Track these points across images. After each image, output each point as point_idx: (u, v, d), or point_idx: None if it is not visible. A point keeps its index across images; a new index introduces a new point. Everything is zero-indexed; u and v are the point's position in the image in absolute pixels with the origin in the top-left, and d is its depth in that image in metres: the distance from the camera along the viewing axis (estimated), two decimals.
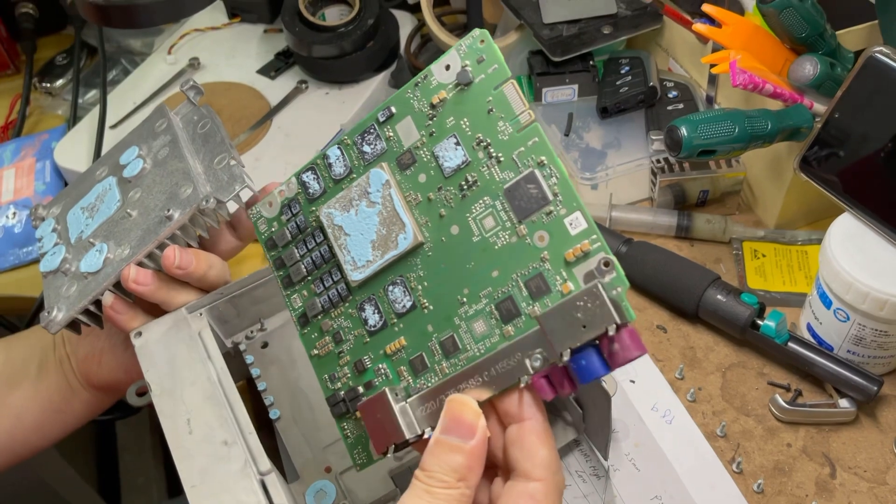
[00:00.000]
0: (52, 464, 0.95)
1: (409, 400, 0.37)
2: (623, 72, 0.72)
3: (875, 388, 0.54)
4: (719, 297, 0.59)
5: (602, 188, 0.68)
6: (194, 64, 0.84)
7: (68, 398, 0.55)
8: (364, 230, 0.39)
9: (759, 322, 0.58)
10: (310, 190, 0.41)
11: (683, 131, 0.55)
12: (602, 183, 0.68)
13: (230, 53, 0.85)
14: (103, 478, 1.11)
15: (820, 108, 0.58)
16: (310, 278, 0.41)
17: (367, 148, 0.39)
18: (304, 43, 0.78)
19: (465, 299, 0.36)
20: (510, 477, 0.35)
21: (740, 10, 0.65)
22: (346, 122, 0.76)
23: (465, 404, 0.35)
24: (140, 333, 0.48)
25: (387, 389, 0.37)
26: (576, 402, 0.51)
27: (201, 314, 0.49)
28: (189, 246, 0.49)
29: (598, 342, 0.33)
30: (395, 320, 0.38)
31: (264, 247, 0.43)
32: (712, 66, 0.59)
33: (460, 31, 0.81)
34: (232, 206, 0.49)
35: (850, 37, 0.60)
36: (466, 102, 0.37)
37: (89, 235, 0.51)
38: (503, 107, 0.36)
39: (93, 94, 0.87)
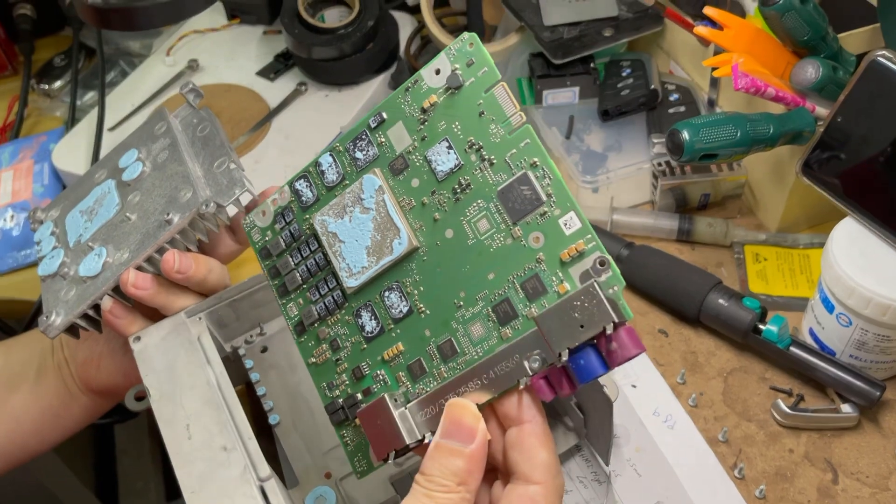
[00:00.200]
0: (50, 467, 0.94)
1: (408, 405, 0.37)
2: (624, 74, 0.72)
3: (877, 393, 0.54)
4: (721, 301, 0.59)
5: (603, 191, 0.68)
6: (193, 66, 0.84)
7: (67, 402, 0.55)
8: (358, 236, 0.38)
9: (761, 326, 0.57)
10: (303, 198, 0.41)
11: (685, 135, 0.55)
12: (603, 186, 0.68)
13: (229, 55, 0.85)
14: (101, 481, 1.11)
15: (822, 111, 0.58)
16: (305, 286, 0.41)
17: (359, 154, 0.39)
18: (303, 45, 0.77)
19: (461, 303, 0.36)
20: (510, 480, 0.35)
21: (742, 13, 0.65)
22: (346, 124, 0.76)
23: (465, 408, 0.35)
24: (139, 338, 0.48)
25: (386, 395, 0.36)
26: (577, 407, 0.50)
27: (200, 318, 0.49)
28: (188, 250, 0.49)
29: (596, 341, 0.33)
30: (392, 326, 0.38)
31: (259, 256, 0.43)
32: (714, 69, 0.58)
33: (460, 32, 0.81)
34: (231, 210, 0.49)
35: (852, 40, 0.60)
36: (457, 106, 0.36)
37: (88, 239, 0.50)
38: (494, 109, 0.36)
39: (91, 95, 0.87)
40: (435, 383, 0.37)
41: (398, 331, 0.38)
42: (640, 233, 0.68)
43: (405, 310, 0.38)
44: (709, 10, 0.59)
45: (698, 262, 0.65)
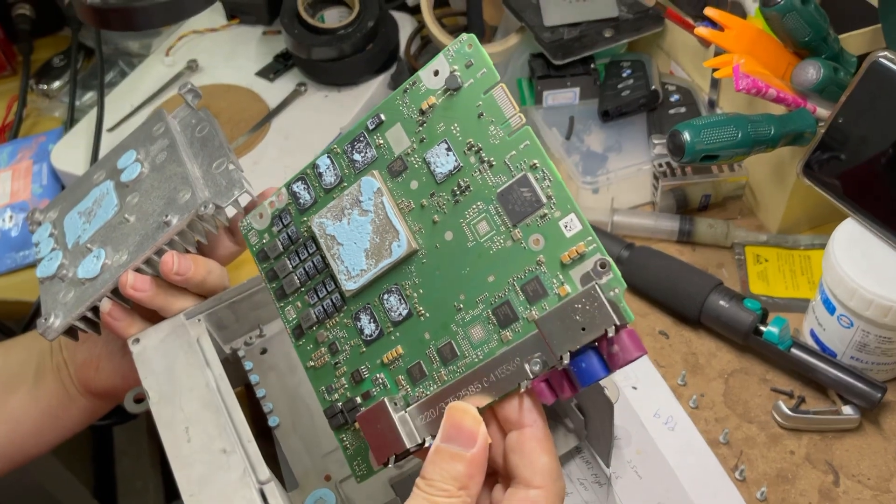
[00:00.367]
0: (49, 468, 0.94)
1: (408, 409, 0.37)
2: (624, 75, 0.72)
3: (879, 395, 0.54)
4: (722, 302, 0.59)
5: (603, 192, 0.68)
6: (192, 66, 0.84)
7: (66, 404, 0.55)
8: (357, 239, 0.38)
9: (762, 328, 0.57)
10: (300, 200, 0.41)
11: (686, 136, 0.55)
12: (603, 187, 0.68)
13: (229, 56, 0.85)
14: (100, 482, 1.11)
15: (823, 112, 0.57)
16: (303, 289, 0.41)
17: (357, 156, 0.39)
18: (303, 45, 0.77)
19: (461, 305, 0.36)
20: (511, 484, 0.35)
21: (742, 14, 0.65)
22: (346, 124, 0.76)
23: (466, 412, 0.34)
24: (138, 340, 0.47)
25: (386, 399, 0.36)
26: (577, 408, 0.50)
27: (199, 320, 0.49)
28: (187, 251, 0.49)
29: (597, 344, 0.33)
30: (392, 329, 0.38)
31: (256, 259, 0.42)
32: (715, 70, 0.58)
33: (460, 33, 0.81)
34: (230, 211, 0.49)
35: (853, 41, 0.60)
36: (456, 107, 0.36)
37: (87, 241, 0.50)
38: (493, 111, 0.36)
39: (90, 96, 0.87)
40: (435, 387, 0.37)
41: (397, 334, 0.38)
42: (640, 234, 0.68)
43: (404, 313, 0.37)
44: (709, 11, 0.59)
45: (699, 264, 0.65)
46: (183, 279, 0.47)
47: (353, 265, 0.38)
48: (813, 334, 0.59)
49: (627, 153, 0.69)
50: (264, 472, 0.41)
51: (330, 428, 0.40)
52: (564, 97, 0.73)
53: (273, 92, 0.80)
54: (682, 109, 0.70)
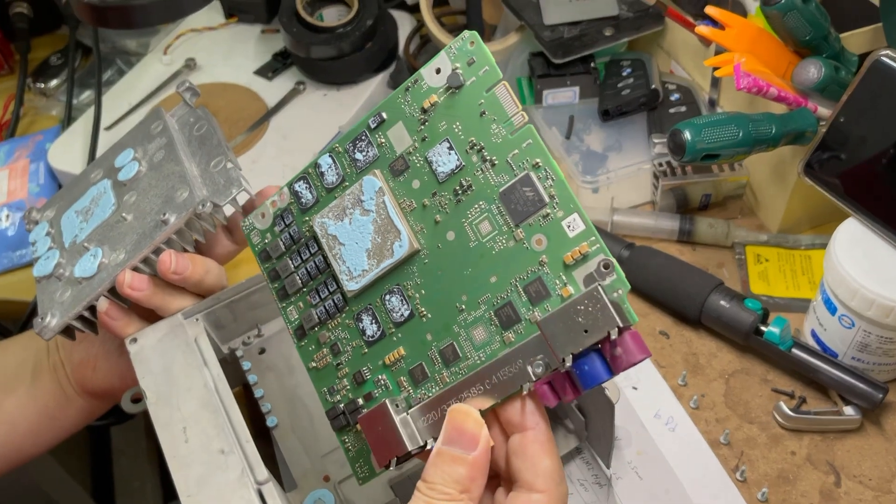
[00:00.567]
0: (46, 468, 0.94)
1: (410, 411, 0.36)
2: (625, 74, 0.72)
3: (880, 396, 0.54)
4: (722, 302, 0.59)
5: (603, 192, 0.68)
6: (190, 65, 0.83)
7: (63, 405, 0.55)
8: (359, 239, 0.38)
9: (763, 328, 0.57)
10: (302, 200, 0.40)
11: (687, 135, 0.54)
12: (603, 186, 0.67)
13: (227, 54, 0.85)
14: (98, 482, 1.10)
15: (824, 111, 0.57)
16: (305, 290, 0.40)
17: (358, 155, 0.38)
18: (301, 44, 0.77)
19: (463, 306, 0.36)
20: (513, 488, 0.34)
21: (743, 13, 0.65)
22: (345, 123, 0.75)
23: (468, 414, 0.34)
24: (135, 339, 0.47)
25: (387, 401, 0.36)
26: (578, 409, 0.50)
27: (197, 320, 0.48)
28: (185, 250, 0.48)
29: (600, 346, 0.32)
30: (394, 330, 0.38)
31: (258, 259, 0.42)
32: (715, 68, 0.58)
33: (459, 31, 0.81)
34: (228, 210, 0.49)
35: (854, 39, 0.60)
36: (458, 106, 0.36)
37: (84, 239, 0.50)
38: (496, 109, 0.35)
39: (87, 94, 0.87)
40: (437, 388, 0.36)
41: (399, 335, 0.37)
42: (640, 233, 0.68)
43: (406, 313, 0.37)
44: (710, 10, 0.59)
45: (699, 263, 0.65)
46: (181, 278, 0.47)
47: (355, 265, 0.38)
48: (814, 334, 0.58)
49: (627, 152, 0.69)
50: (262, 472, 0.41)
51: (332, 429, 0.40)
52: (564, 96, 0.73)
53: (271, 90, 0.80)
54: (683, 108, 0.70)
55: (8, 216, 0.75)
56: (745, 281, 0.64)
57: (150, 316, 0.49)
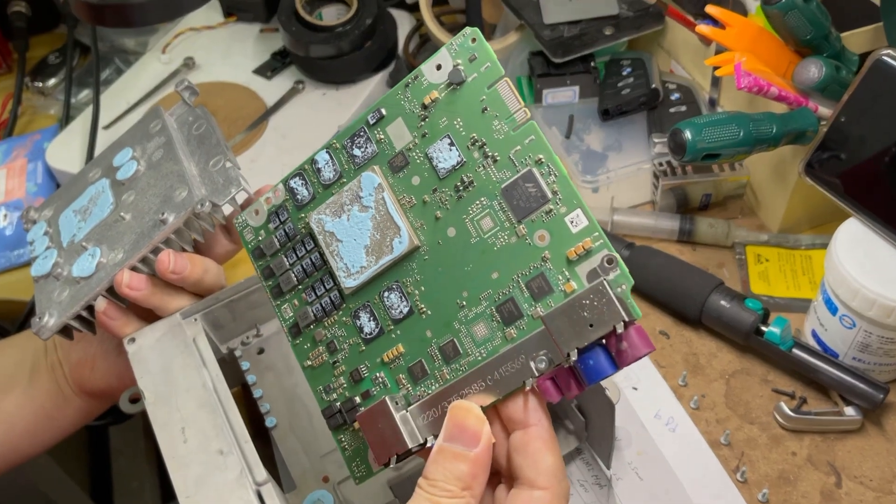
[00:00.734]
0: (44, 468, 0.93)
1: (409, 408, 0.36)
2: (625, 73, 0.72)
3: (881, 396, 0.54)
4: (723, 302, 0.59)
5: (603, 191, 0.68)
6: (189, 64, 0.83)
7: (60, 405, 0.54)
8: (357, 235, 0.38)
9: (764, 328, 0.57)
10: (298, 196, 0.40)
11: (687, 134, 0.54)
12: (603, 186, 0.67)
13: (226, 53, 0.84)
14: (96, 483, 1.10)
15: (825, 111, 0.57)
16: (300, 287, 0.40)
17: (357, 151, 0.38)
18: (300, 43, 0.77)
19: (464, 303, 0.36)
20: (514, 484, 0.34)
21: (744, 12, 0.64)
22: (344, 122, 0.75)
23: (469, 411, 0.34)
24: (134, 339, 0.47)
25: (387, 398, 0.35)
26: (578, 409, 0.50)
27: (196, 319, 0.48)
28: (184, 250, 0.48)
29: (605, 341, 0.32)
30: (392, 327, 0.37)
31: (251, 256, 0.42)
32: (716, 68, 0.58)
33: (459, 31, 0.80)
34: (227, 210, 0.49)
35: (855, 39, 0.60)
36: (459, 102, 0.36)
37: (82, 239, 0.50)
38: (497, 105, 0.35)
39: (86, 93, 0.86)
40: (437, 385, 0.36)
41: (398, 332, 0.37)
42: (640, 233, 0.67)
43: (405, 310, 0.37)
44: (711, 9, 0.59)
45: (699, 263, 0.64)
46: (179, 278, 0.47)
47: (353, 262, 0.38)
48: (814, 335, 0.58)
49: (627, 152, 0.69)
50: (261, 473, 0.41)
51: (328, 428, 0.39)
52: (564, 96, 0.73)
53: (270, 90, 0.80)
54: (683, 108, 0.70)
55: (6, 215, 0.75)
56: (745, 281, 0.64)
57: (148, 316, 0.49)
